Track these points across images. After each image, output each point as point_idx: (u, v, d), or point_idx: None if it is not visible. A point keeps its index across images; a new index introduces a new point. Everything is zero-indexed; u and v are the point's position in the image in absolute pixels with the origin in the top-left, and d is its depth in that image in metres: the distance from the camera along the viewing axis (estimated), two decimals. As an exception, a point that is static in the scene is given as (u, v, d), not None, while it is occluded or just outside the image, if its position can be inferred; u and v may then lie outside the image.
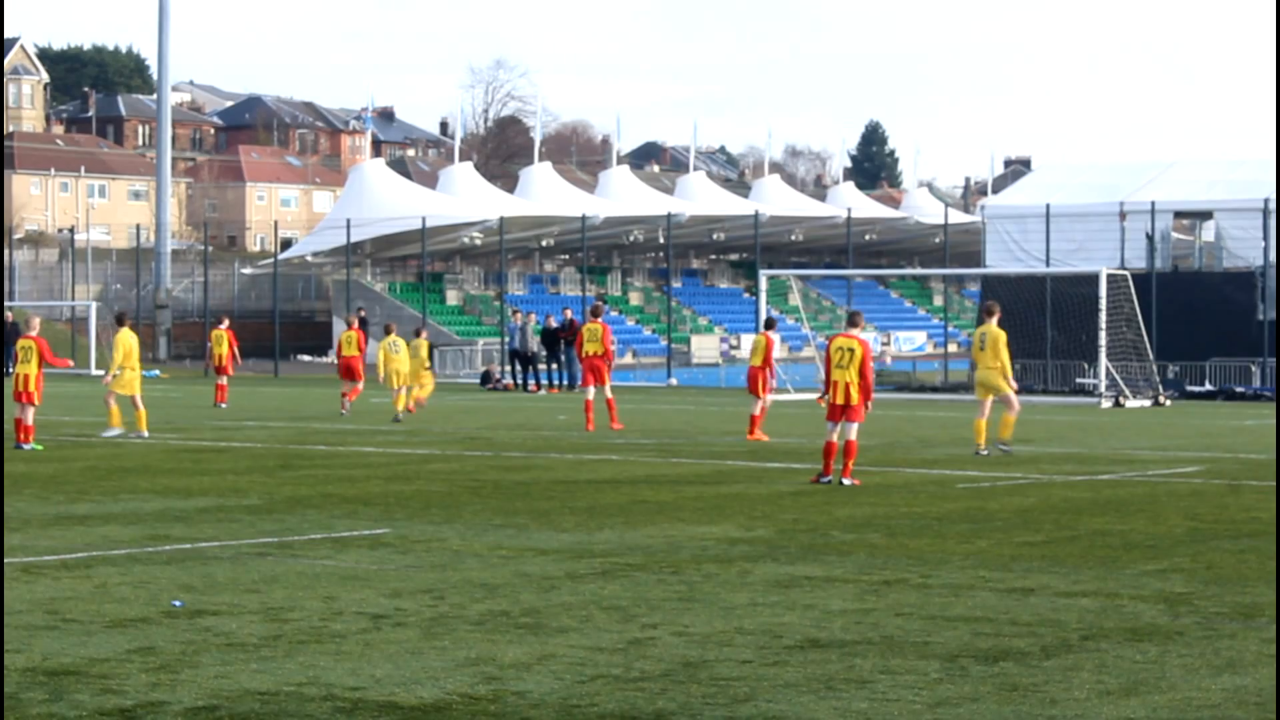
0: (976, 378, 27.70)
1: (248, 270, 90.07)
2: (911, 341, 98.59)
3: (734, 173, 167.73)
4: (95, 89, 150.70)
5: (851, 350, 21.79)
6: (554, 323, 53.99)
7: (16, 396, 28.46)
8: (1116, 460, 26.26)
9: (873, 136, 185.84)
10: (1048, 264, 56.43)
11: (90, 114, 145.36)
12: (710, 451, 27.95)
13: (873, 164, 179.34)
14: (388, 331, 39.19)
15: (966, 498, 20.36)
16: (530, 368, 54.04)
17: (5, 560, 14.52)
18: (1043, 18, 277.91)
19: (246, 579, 13.72)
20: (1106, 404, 44.20)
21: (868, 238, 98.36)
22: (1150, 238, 56.25)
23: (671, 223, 77.19)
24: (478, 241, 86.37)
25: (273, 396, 49.02)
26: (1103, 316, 45.03)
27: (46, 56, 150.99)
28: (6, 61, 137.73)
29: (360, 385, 39.24)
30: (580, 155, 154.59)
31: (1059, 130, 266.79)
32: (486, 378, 56.81)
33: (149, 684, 9.76)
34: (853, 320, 22.60)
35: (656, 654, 10.70)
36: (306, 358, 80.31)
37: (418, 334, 40.69)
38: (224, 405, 41.96)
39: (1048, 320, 52.23)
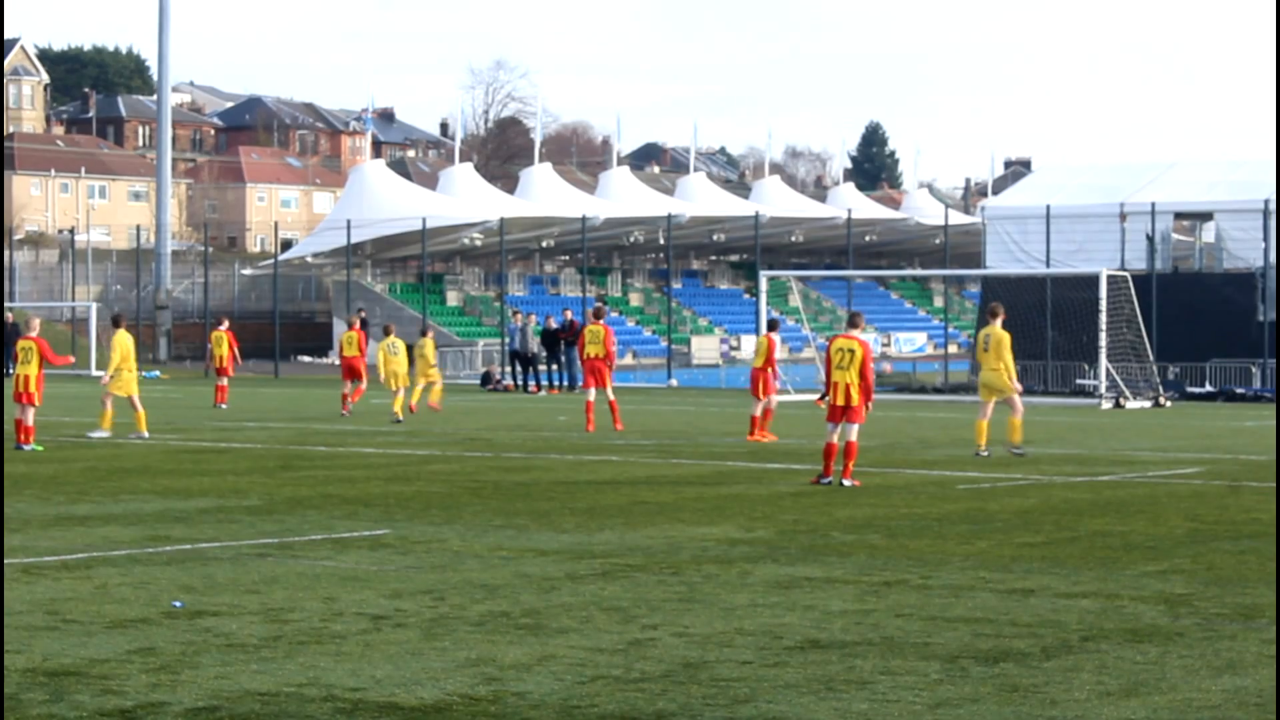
0: (980, 379, 27.68)
1: (248, 271, 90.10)
2: (912, 342, 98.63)
3: (734, 174, 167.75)
4: (95, 90, 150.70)
5: (852, 351, 21.79)
6: (554, 324, 54.00)
7: (17, 397, 28.46)
8: (1117, 461, 26.26)
9: (873, 137, 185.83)
10: (1048, 265, 56.45)
11: (90, 115, 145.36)
12: (710, 452, 27.95)
13: (873, 165, 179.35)
14: (387, 333, 39.28)
15: (967, 499, 20.36)
16: (530, 369, 54.05)
17: (5, 561, 14.52)
18: (1043, 18, 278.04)
19: (247, 580, 13.72)
20: (1107, 405, 44.20)
21: (868, 239, 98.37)
22: (1150, 239, 56.28)
23: (672, 224, 77.22)
24: (478, 242, 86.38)
25: (273, 397, 49.04)
26: (1103, 317, 45.04)
27: (47, 57, 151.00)
28: (7, 62, 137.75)
29: (364, 385, 39.31)
30: (580, 156, 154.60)
31: (1059, 131, 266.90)
32: (487, 379, 56.82)
33: (149, 685, 9.76)
34: (853, 321, 22.60)
35: (657, 655, 10.70)
36: (307, 359, 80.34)
37: (424, 333, 40.88)
38: (224, 406, 42.00)
39: (1048, 321, 52.24)
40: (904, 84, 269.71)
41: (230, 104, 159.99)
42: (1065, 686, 9.82)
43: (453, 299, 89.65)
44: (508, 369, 56.33)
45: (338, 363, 46.76)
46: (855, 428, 21.78)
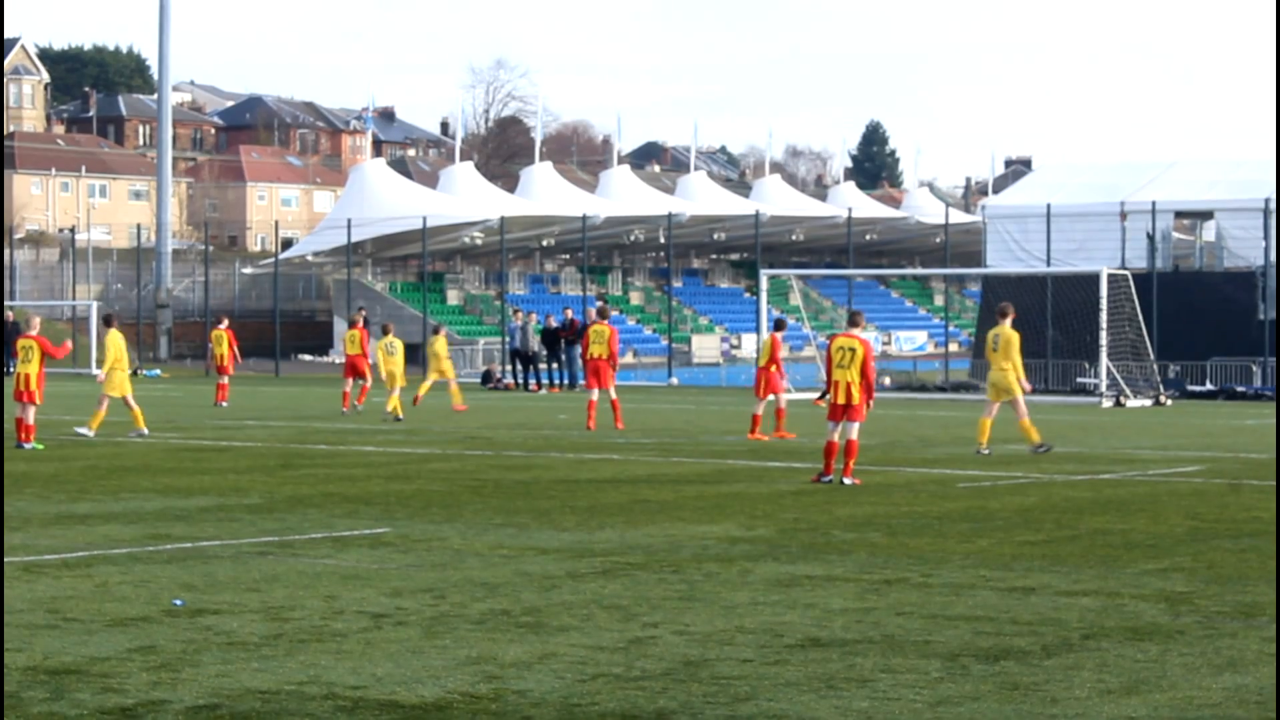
0: (989, 378, 27.68)
1: (248, 270, 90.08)
2: (912, 341, 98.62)
3: (735, 173, 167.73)
4: (96, 89, 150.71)
5: (852, 350, 21.78)
6: (554, 322, 54.03)
7: (17, 396, 28.46)
8: (1117, 460, 26.26)
9: (873, 136, 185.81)
10: (1048, 264, 56.45)
11: (91, 114, 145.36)
12: (711, 451, 27.95)
13: (873, 164, 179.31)
14: (385, 332, 39.37)
15: (967, 497, 20.36)
16: (531, 367, 54.07)
17: (6, 559, 14.52)
18: (1043, 18, 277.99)
19: (247, 578, 13.72)
20: (1107, 403, 44.20)
21: (868, 238, 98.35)
22: (1151, 237, 56.29)
23: (672, 222, 77.23)
24: (478, 241, 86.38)
25: (273, 396, 49.05)
26: (1103, 316, 45.03)
27: (47, 56, 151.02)
28: (7, 61, 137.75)
29: (368, 384, 39.39)
30: (581, 155, 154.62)
31: (1060, 130, 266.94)
32: (487, 377, 56.84)
33: (150, 683, 9.76)
34: (854, 320, 22.61)
35: (657, 653, 10.69)
36: (307, 357, 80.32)
37: (435, 332, 41.87)
38: (225, 404, 42.03)
39: (1049, 320, 52.24)
40: (904, 83, 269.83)
41: (231, 103, 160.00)
42: (1066, 684, 9.82)
43: (453, 298, 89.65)
44: (508, 368, 56.36)
45: (342, 361, 46.95)
46: (856, 426, 21.78)
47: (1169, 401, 45.68)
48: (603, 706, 9.27)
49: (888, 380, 48.56)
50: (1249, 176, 57.76)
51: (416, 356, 49.33)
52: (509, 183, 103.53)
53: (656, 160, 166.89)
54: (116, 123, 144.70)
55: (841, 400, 21.74)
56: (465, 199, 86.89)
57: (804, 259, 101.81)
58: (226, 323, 46.23)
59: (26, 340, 28.90)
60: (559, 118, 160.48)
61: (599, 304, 40.60)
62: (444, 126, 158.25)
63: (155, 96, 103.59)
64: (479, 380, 57.55)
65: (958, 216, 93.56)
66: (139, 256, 79.47)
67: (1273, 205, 54.05)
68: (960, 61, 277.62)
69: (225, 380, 43.61)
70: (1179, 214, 60.09)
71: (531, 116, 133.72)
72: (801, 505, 19.40)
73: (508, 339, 58.74)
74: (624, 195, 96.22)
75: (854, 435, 21.79)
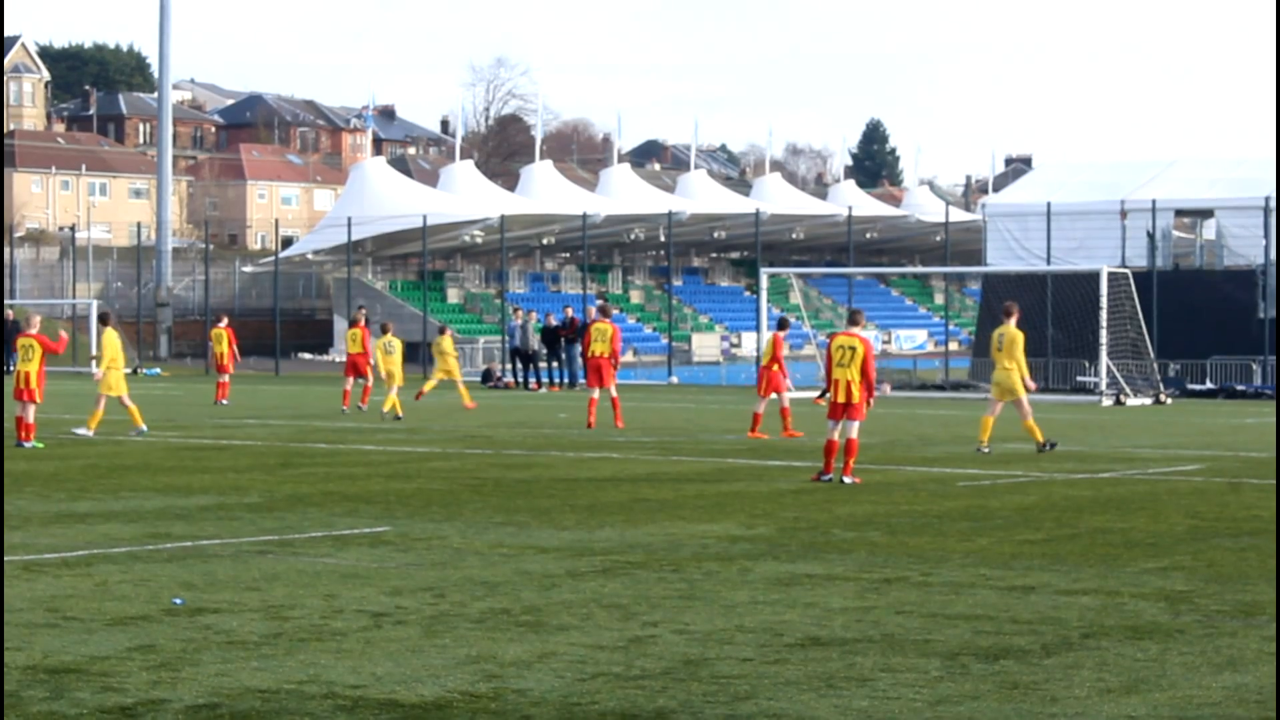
0: (993, 378, 27.70)
1: (248, 268, 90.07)
2: (912, 340, 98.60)
3: (735, 171, 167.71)
4: (96, 87, 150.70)
5: (853, 348, 21.78)
6: (554, 321, 54.03)
7: (17, 394, 28.45)
8: (1117, 458, 26.26)
9: (874, 135, 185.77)
10: (1049, 262, 56.43)
11: (91, 112, 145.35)
12: (711, 449, 27.95)
13: (874, 162, 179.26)
14: (384, 330, 39.37)
15: (967, 496, 20.37)
16: (531, 366, 54.09)
17: (6, 558, 14.52)
18: (1043, 18, 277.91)
19: (247, 577, 13.72)
20: (1107, 402, 44.20)
21: (869, 236, 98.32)
22: (1151, 236, 56.27)
23: (672, 221, 77.22)
24: (479, 240, 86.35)
25: (273, 394, 49.04)
26: (1104, 315, 45.04)
27: (47, 55, 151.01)
28: (7, 60, 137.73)
29: (369, 382, 39.43)
30: (581, 153, 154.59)
31: (1060, 129, 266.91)
32: (487, 376, 56.85)
33: (150, 682, 9.76)
34: (854, 318, 22.61)
35: (657, 652, 10.69)
36: (307, 356, 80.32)
37: (442, 331, 42.27)
38: (225, 403, 42.04)
39: (1049, 318, 52.23)
40: (904, 82, 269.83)
41: (231, 101, 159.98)
42: (1065, 683, 9.82)
43: (453, 296, 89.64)
44: (508, 366, 56.37)
45: (342, 359, 47.02)
46: (856, 425, 21.77)
47: (1169, 400, 45.69)
48: (602, 705, 9.26)
49: (888, 388, 48.53)
50: (1249, 175, 57.74)
51: (416, 355, 49.36)
52: (509, 181, 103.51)
53: (657, 159, 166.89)
54: (117, 121, 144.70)
55: (841, 399, 21.74)
56: (465, 197, 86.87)
57: (804, 257, 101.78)
58: (226, 321, 46.27)
59: (27, 339, 28.90)
60: (559, 116, 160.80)
61: (600, 302, 40.62)
62: (444, 125, 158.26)
63: (155, 95, 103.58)
64: (479, 379, 57.54)
65: (958, 215, 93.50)
66: (139, 255, 79.47)
67: (1273, 204, 54.04)
68: (960, 61, 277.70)
69: (225, 379, 43.64)
70: (1179, 212, 60.08)
71: (532, 115, 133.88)
72: (801, 504, 19.40)
73: (508, 338, 58.75)
74: (624, 194, 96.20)
75: (854, 434, 21.78)
